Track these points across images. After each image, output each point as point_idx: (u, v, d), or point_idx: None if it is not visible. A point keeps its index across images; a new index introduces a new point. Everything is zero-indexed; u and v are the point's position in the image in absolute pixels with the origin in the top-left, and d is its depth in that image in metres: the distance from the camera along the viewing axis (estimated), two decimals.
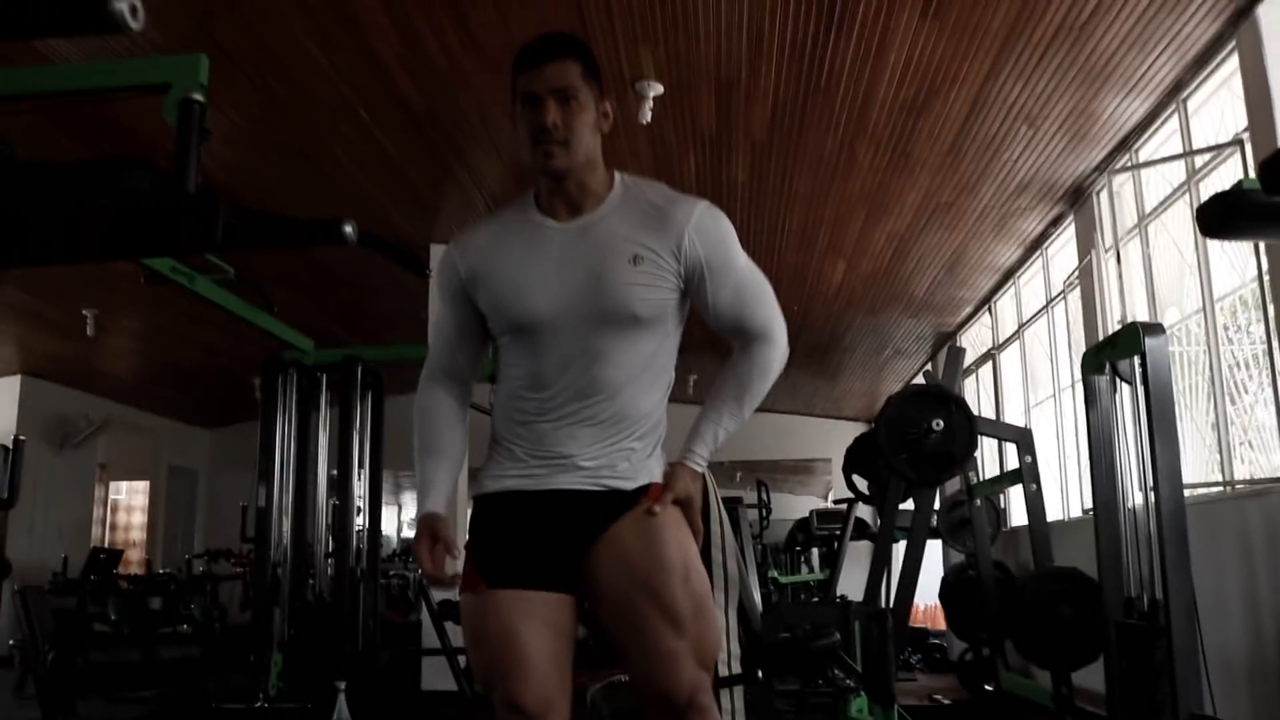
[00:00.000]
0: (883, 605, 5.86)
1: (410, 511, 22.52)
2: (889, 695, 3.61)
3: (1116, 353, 4.09)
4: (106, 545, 11.48)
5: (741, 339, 1.95)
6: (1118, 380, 4.22)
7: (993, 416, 8.32)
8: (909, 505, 6.08)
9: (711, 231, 1.87)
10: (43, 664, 2.58)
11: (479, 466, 1.96)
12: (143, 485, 13.13)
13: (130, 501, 13.34)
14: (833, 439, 11.91)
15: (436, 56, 5.06)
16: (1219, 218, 2.81)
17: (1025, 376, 8.00)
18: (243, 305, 5.94)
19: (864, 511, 8.57)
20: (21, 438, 4.90)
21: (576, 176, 1.83)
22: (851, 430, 11.63)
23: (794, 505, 11.91)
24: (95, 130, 5.39)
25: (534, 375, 1.85)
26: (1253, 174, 3.76)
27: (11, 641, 5.80)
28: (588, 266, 1.81)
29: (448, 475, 1.96)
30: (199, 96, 1.92)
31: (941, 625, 10.09)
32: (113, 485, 13.07)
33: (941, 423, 5.30)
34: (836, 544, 8.44)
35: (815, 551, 9.92)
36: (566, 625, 1.83)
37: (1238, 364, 4.86)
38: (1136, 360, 3.93)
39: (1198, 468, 5.11)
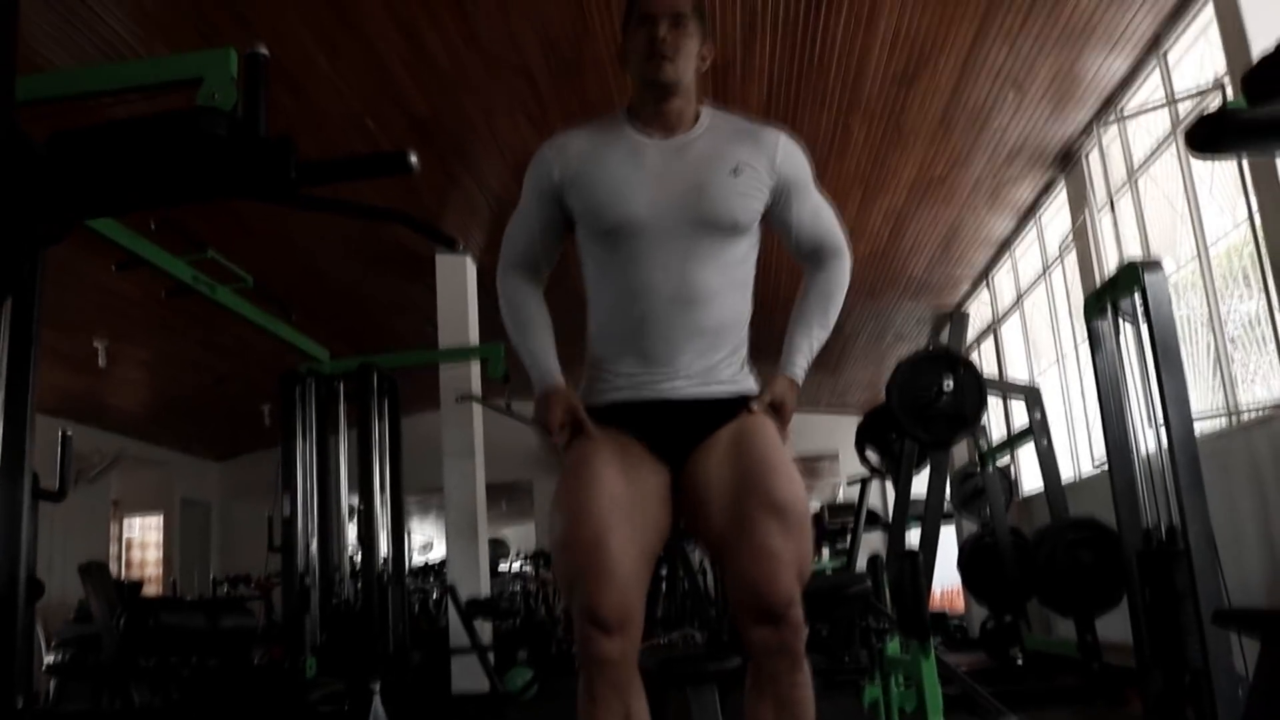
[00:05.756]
0: None
1: (420, 537, 22.64)
2: (925, 630, 3.71)
3: (1117, 292, 4.21)
4: (124, 580, 11.55)
5: (818, 257, 2.11)
6: (1120, 321, 4.35)
7: None
8: (919, 492, 6.22)
9: (796, 155, 2.02)
10: (117, 629, 2.69)
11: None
12: (155, 520, 13.19)
13: (144, 537, 13.40)
14: (838, 433, 11.98)
15: (440, 57, 5.22)
16: (1206, 135, 2.93)
17: (1027, 346, 8.15)
18: (260, 314, 6.06)
19: (874, 504, 8.68)
20: (69, 432, 5.00)
21: (677, 101, 1.97)
22: (856, 423, 11.73)
23: None
24: None
25: (631, 285, 1.93)
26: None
27: (47, 662, 5.71)
28: (688, 178, 1.93)
29: (552, 347, 2.04)
30: (264, 50, 2.07)
31: (959, 608, 10.22)
32: (125, 521, 13.14)
33: (951, 383, 5.42)
34: (850, 530, 8.56)
35: (825, 550, 9.97)
36: (651, 543, 1.86)
37: (1234, 310, 5.01)
38: (1137, 296, 4.04)
39: (1202, 404, 5.23)
